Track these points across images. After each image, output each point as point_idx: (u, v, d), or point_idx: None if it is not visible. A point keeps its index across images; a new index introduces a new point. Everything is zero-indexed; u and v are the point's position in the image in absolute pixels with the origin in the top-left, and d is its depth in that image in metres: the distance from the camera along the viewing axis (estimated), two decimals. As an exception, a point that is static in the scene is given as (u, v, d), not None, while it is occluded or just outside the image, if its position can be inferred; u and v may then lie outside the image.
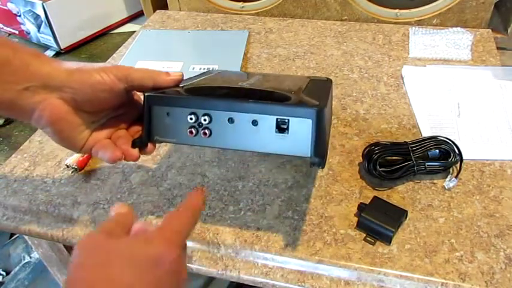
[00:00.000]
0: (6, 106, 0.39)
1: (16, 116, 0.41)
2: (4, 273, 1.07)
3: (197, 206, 0.37)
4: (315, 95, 0.44)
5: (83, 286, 0.29)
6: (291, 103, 0.41)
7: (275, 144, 0.40)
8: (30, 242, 0.67)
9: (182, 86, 0.45)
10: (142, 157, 0.59)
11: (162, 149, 0.61)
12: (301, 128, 0.39)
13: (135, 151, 0.44)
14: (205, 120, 0.41)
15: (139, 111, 0.45)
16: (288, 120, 0.39)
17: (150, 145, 0.44)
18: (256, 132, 0.40)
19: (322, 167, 0.39)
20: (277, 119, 0.39)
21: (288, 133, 0.39)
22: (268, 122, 0.40)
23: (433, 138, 0.55)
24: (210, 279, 0.89)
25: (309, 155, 0.39)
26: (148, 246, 0.32)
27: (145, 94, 0.43)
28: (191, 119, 0.41)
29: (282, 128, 0.39)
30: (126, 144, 0.44)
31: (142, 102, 0.44)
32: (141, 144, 0.44)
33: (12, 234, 1.13)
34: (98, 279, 0.29)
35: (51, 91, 0.40)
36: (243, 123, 0.40)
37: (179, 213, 0.36)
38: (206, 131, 0.41)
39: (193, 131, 0.42)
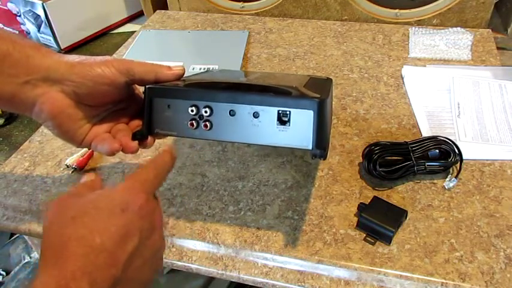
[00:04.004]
0: (6, 99, 0.39)
1: (17, 110, 0.41)
2: (4, 273, 1.07)
3: (162, 161, 0.37)
4: (316, 89, 0.44)
5: (56, 241, 0.29)
6: (293, 95, 0.41)
7: (276, 136, 0.40)
8: (30, 242, 0.67)
9: (183, 80, 0.45)
10: (143, 157, 0.59)
11: (162, 148, 0.61)
12: (303, 119, 0.39)
13: (135, 143, 0.43)
14: (206, 112, 0.41)
15: (140, 106, 0.44)
16: (290, 112, 0.39)
17: (150, 138, 0.44)
18: (257, 124, 0.40)
19: (324, 159, 0.39)
20: (278, 111, 0.39)
21: (289, 125, 0.39)
22: (269, 114, 0.40)
23: (433, 138, 0.55)
24: (210, 279, 0.89)
25: (311, 147, 0.39)
26: (113, 196, 0.32)
27: (146, 86, 0.43)
28: (192, 111, 0.41)
29: (283, 120, 0.39)
30: (126, 137, 0.44)
31: (143, 97, 0.44)
32: (142, 136, 0.44)
33: (12, 234, 1.13)
34: (69, 232, 0.29)
35: (52, 84, 0.40)
36: (244, 116, 0.40)
37: (143, 166, 0.36)
38: (207, 123, 0.41)
39: (194, 124, 0.41)
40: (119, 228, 0.30)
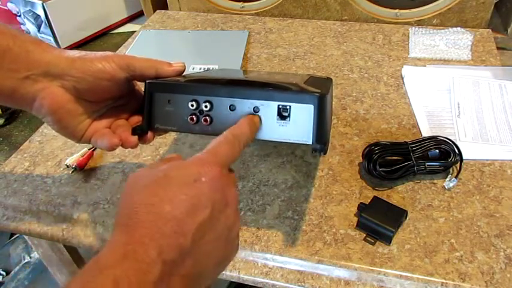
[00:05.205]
0: (7, 95, 0.39)
1: (17, 105, 0.41)
2: (4, 273, 1.07)
3: (239, 131, 0.37)
4: (316, 86, 0.44)
5: (127, 209, 0.29)
6: (293, 90, 0.41)
7: (276, 131, 0.40)
8: (30, 242, 0.67)
9: (183, 76, 0.46)
10: (143, 157, 0.59)
11: (163, 149, 0.61)
12: (303, 114, 0.39)
13: (134, 138, 0.43)
14: (206, 107, 0.41)
15: (140, 102, 0.44)
16: (290, 106, 0.39)
17: (150, 133, 0.44)
18: None
19: (325, 153, 0.40)
20: (278, 105, 0.39)
21: (289, 120, 0.39)
22: (269, 109, 0.40)
23: (433, 138, 0.55)
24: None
25: (311, 142, 0.39)
26: (186, 167, 0.32)
27: (147, 81, 0.43)
28: (192, 105, 0.41)
29: (283, 115, 0.39)
30: (126, 132, 0.44)
31: (143, 93, 0.43)
32: (141, 131, 0.44)
33: (12, 234, 1.13)
34: (140, 200, 0.29)
35: (52, 79, 0.40)
36: (244, 110, 0.40)
37: (217, 139, 0.35)
38: (207, 118, 0.41)
39: (194, 118, 0.41)
40: (190, 197, 0.30)
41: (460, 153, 0.54)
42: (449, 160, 0.53)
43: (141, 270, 0.26)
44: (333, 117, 0.64)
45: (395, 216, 0.48)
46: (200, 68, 0.78)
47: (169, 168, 0.31)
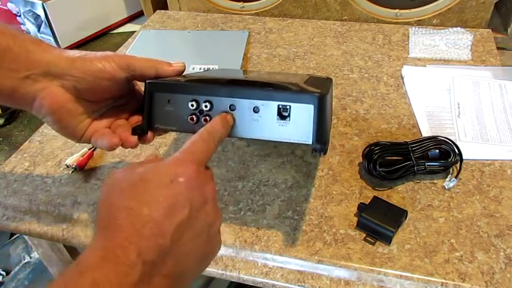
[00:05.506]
0: (7, 94, 0.39)
1: (17, 105, 0.41)
2: (4, 273, 1.07)
3: (212, 129, 0.37)
4: (316, 86, 0.44)
5: (106, 213, 0.30)
6: (293, 90, 0.41)
7: (276, 131, 0.40)
8: (30, 242, 0.67)
9: (183, 76, 0.46)
10: (143, 157, 0.59)
11: (163, 149, 0.61)
12: (303, 114, 0.39)
13: (134, 138, 0.43)
14: (206, 107, 0.41)
15: (140, 102, 0.44)
16: (290, 106, 0.39)
17: (150, 133, 0.44)
18: (257, 119, 0.40)
19: (325, 153, 0.39)
20: (278, 105, 0.39)
21: (289, 120, 0.39)
22: (269, 108, 0.40)
23: (433, 138, 0.55)
24: (210, 279, 0.89)
25: (311, 142, 0.39)
26: (162, 168, 0.32)
27: (147, 81, 0.43)
28: (192, 105, 0.41)
29: (283, 115, 0.39)
30: (126, 132, 0.44)
31: (143, 93, 0.43)
32: (141, 131, 0.44)
33: (12, 234, 1.13)
34: (118, 204, 0.30)
35: (52, 79, 0.40)
36: (244, 110, 0.40)
37: (192, 137, 0.36)
38: (207, 118, 0.41)
39: (194, 118, 0.41)
40: (167, 198, 0.30)
41: (460, 153, 0.54)
42: (449, 160, 0.53)
43: (121, 272, 0.26)
44: (333, 117, 0.64)
45: (395, 216, 0.48)
46: (200, 68, 0.78)
47: (146, 171, 0.32)
